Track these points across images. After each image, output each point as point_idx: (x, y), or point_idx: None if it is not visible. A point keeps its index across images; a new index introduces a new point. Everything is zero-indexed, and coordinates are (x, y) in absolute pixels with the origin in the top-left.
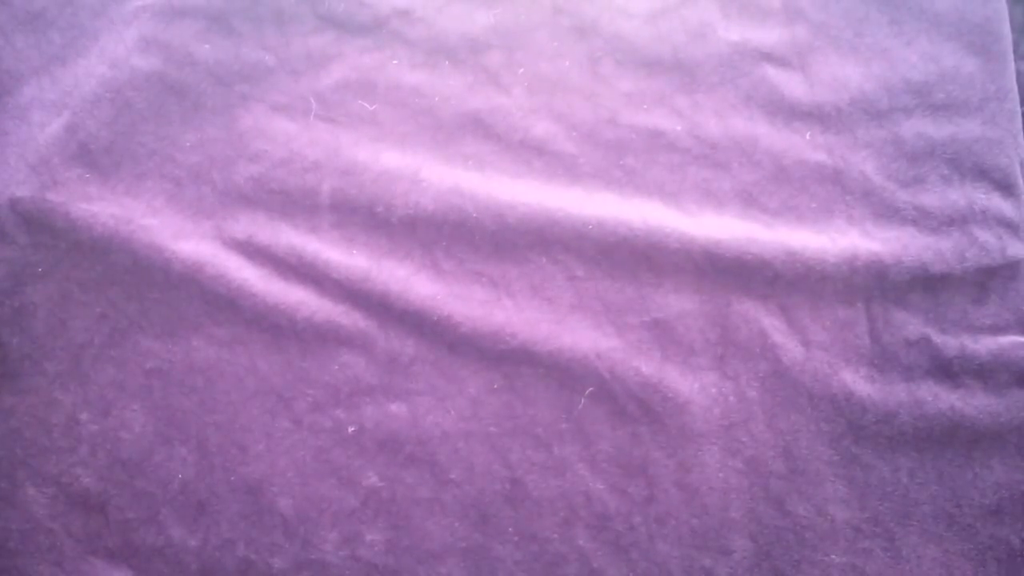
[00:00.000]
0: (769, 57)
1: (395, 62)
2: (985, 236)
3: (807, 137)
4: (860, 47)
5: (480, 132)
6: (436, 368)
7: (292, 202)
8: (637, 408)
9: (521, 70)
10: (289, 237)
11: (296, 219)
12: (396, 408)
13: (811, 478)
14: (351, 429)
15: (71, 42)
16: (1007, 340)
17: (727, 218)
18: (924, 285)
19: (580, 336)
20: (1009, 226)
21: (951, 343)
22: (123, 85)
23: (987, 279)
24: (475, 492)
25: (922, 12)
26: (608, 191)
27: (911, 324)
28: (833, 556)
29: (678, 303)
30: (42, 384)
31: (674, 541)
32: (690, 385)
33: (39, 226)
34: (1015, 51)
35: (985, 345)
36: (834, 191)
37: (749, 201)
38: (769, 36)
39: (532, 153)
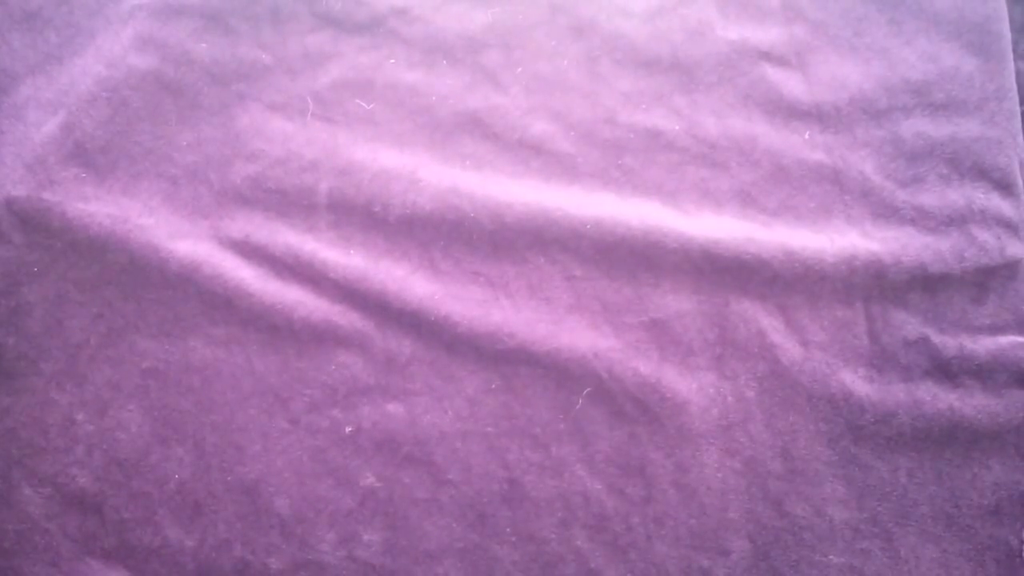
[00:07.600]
0: (768, 56)
1: (392, 61)
2: (984, 236)
3: (806, 136)
4: (859, 46)
5: (478, 131)
6: (433, 368)
7: (289, 202)
8: (635, 408)
9: (519, 69)
10: (286, 237)
11: (293, 219)
12: (393, 408)
13: (809, 478)
14: (348, 429)
15: (67, 41)
16: (1006, 340)
17: (725, 218)
18: (923, 285)
19: (578, 336)
20: (1008, 226)
21: (950, 343)
22: (119, 84)
23: (986, 279)
24: (473, 492)
25: (921, 11)
26: (606, 191)
27: (910, 324)
28: (831, 556)
29: (676, 303)
30: (38, 384)
31: (672, 542)
32: (688, 385)
33: (35, 226)
34: (1014, 50)
35: (984, 345)
36: (833, 191)
37: (747, 201)
38: (768, 35)
39: (530, 152)
